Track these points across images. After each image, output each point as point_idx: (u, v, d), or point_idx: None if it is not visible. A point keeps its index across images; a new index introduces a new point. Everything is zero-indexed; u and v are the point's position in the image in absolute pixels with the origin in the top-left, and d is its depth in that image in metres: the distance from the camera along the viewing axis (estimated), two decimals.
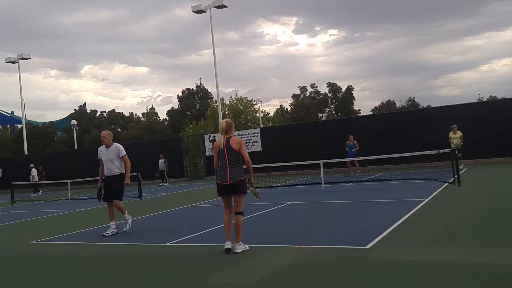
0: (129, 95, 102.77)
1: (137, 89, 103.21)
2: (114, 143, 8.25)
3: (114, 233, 8.09)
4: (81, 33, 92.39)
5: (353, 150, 18.45)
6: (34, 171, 24.23)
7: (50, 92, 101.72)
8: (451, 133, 16.48)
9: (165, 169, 23.58)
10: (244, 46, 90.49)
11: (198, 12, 28.52)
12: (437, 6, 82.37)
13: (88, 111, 63.34)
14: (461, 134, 16.24)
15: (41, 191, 24.70)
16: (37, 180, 24.08)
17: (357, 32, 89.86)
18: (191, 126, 45.86)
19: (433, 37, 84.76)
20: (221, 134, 6.12)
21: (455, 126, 16.51)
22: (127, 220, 8.35)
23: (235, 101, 47.46)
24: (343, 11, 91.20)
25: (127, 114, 63.91)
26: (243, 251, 5.89)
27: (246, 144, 24.09)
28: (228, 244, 5.96)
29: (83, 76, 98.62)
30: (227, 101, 47.48)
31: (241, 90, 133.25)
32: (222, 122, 6.16)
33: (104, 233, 8.07)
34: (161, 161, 23.56)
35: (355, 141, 18.68)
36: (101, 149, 8.23)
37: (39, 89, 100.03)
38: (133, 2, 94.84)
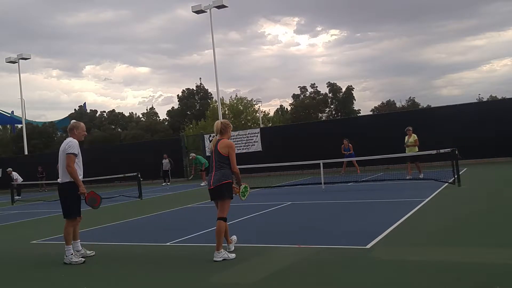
0: (130, 95, 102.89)
1: (139, 89, 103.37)
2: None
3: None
4: (84, 33, 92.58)
5: (348, 152, 18.75)
6: (15, 174, 23.56)
7: (51, 92, 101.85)
8: (406, 137, 14.27)
9: (169, 169, 23.59)
10: (246, 46, 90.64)
11: (198, 12, 28.52)
12: (439, 7, 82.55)
13: (88, 111, 63.34)
14: (416, 138, 14.08)
15: (20, 195, 23.53)
16: (22, 180, 23.61)
17: (359, 32, 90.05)
18: (191, 126, 45.87)
19: (434, 37, 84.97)
20: (216, 135, 5.87)
21: (410, 128, 14.22)
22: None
23: (235, 101, 47.48)
24: (345, 11, 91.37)
25: (127, 114, 63.97)
26: (224, 260, 5.48)
27: (246, 144, 24.31)
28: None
29: (85, 76, 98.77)
30: (227, 101, 47.53)
31: (242, 90, 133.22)
32: (217, 122, 5.86)
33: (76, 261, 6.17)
34: (165, 161, 23.56)
35: (350, 145, 19.00)
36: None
37: (40, 89, 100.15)
38: (136, 2, 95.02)
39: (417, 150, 13.96)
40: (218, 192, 5.64)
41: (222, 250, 5.58)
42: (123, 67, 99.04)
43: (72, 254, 6.19)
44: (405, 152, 14.04)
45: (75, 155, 6.24)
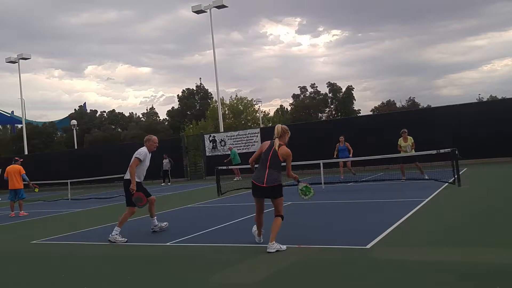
0: (132, 95, 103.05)
1: (140, 89, 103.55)
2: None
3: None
4: (86, 33, 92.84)
5: (348, 154, 16.03)
6: None
7: (53, 92, 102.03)
8: (401, 139, 13.86)
9: (169, 169, 23.61)
10: (248, 46, 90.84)
11: (198, 12, 28.54)
12: (440, 7, 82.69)
13: (88, 111, 63.40)
14: (413, 141, 13.73)
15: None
16: None
17: (360, 32, 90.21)
18: (191, 126, 45.86)
19: (436, 37, 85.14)
20: (275, 137, 6.16)
21: (406, 131, 13.80)
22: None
23: (235, 101, 47.47)
24: (346, 12, 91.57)
25: (128, 114, 64.01)
26: (277, 251, 5.73)
27: (246, 144, 24.31)
28: (259, 240, 6.36)
29: (87, 76, 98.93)
30: (227, 101, 47.53)
31: (243, 90, 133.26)
32: (278, 126, 6.25)
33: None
34: (165, 161, 23.57)
35: (346, 143, 16.19)
36: None
37: (42, 89, 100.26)
38: (138, 2, 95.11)
39: (413, 152, 13.60)
40: (272, 191, 6.06)
41: (275, 242, 5.79)
42: (125, 67, 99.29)
43: (117, 234, 7.35)
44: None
45: (140, 160, 7.63)
